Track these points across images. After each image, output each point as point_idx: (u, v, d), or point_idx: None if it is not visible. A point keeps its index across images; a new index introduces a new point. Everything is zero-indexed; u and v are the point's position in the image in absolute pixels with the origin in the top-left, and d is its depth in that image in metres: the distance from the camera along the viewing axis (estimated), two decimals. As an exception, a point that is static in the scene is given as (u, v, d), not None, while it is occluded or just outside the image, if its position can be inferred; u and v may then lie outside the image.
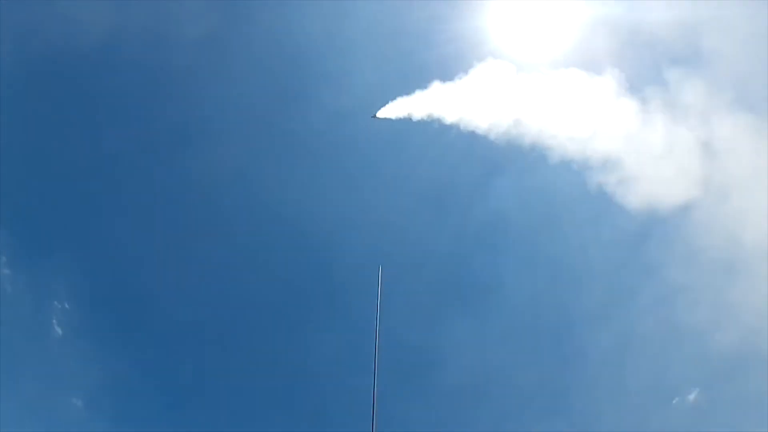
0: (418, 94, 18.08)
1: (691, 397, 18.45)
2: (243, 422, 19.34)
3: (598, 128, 17.68)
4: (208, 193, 21.56)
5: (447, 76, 17.91)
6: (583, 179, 17.93)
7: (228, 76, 21.55)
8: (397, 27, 20.08)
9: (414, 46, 19.57)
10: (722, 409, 17.85)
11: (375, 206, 21.50)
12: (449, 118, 18.16)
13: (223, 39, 20.80)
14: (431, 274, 21.61)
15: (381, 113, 18.35)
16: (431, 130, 18.72)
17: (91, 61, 20.64)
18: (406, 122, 18.30)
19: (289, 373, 20.32)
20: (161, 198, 21.67)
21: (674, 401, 18.55)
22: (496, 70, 18.00)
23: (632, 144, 17.63)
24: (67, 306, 20.08)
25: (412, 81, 18.61)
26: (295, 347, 20.66)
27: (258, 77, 21.44)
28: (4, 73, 19.69)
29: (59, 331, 19.85)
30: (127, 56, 20.86)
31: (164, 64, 21.19)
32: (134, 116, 21.45)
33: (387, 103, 18.41)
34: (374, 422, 5.80)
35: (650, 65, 18.31)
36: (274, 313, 21.38)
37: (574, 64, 17.98)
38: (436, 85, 17.99)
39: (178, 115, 21.57)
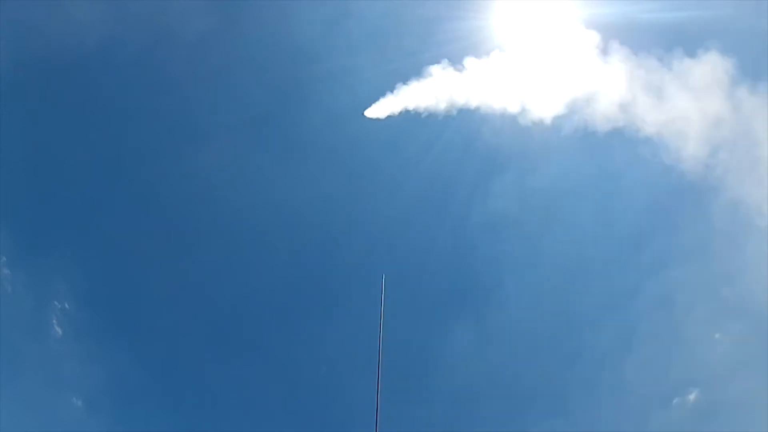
0: (421, 86, 17.86)
1: (691, 397, 18.53)
2: (245, 423, 19.39)
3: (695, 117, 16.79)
4: (208, 194, 21.57)
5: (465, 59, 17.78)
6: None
7: (227, 75, 21.56)
8: (396, 25, 20.05)
9: (415, 45, 19.50)
10: (722, 409, 17.93)
11: (378, 208, 21.56)
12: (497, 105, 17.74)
13: (222, 38, 20.80)
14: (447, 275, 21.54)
15: (371, 112, 18.21)
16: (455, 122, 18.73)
17: (90, 60, 20.65)
18: (403, 118, 18.18)
19: (291, 375, 20.37)
20: (161, 198, 21.68)
21: (674, 401, 18.63)
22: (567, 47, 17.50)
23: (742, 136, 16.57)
24: (67, 306, 20.10)
25: (412, 77, 18.68)
26: (298, 350, 20.71)
27: (257, 77, 21.44)
28: (3, 73, 19.68)
29: (59, 331, 19.86)
30: (126, 56, 20.87)
31: (163, 63, 21.20)
32: (134, 115, 21.44)
33: (386, 100, 18.41)
34: (377, 425, 5.84)
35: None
36: (275, 315, 21.42)
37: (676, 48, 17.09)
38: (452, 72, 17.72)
39: (178, 114, 21.58)
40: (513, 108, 17.83)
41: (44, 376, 19.29)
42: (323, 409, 19.79)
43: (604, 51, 17.47)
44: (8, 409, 17.61)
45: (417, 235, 21.63)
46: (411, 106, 18.04)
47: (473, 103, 18.04)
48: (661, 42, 17.53)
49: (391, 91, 18.08)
